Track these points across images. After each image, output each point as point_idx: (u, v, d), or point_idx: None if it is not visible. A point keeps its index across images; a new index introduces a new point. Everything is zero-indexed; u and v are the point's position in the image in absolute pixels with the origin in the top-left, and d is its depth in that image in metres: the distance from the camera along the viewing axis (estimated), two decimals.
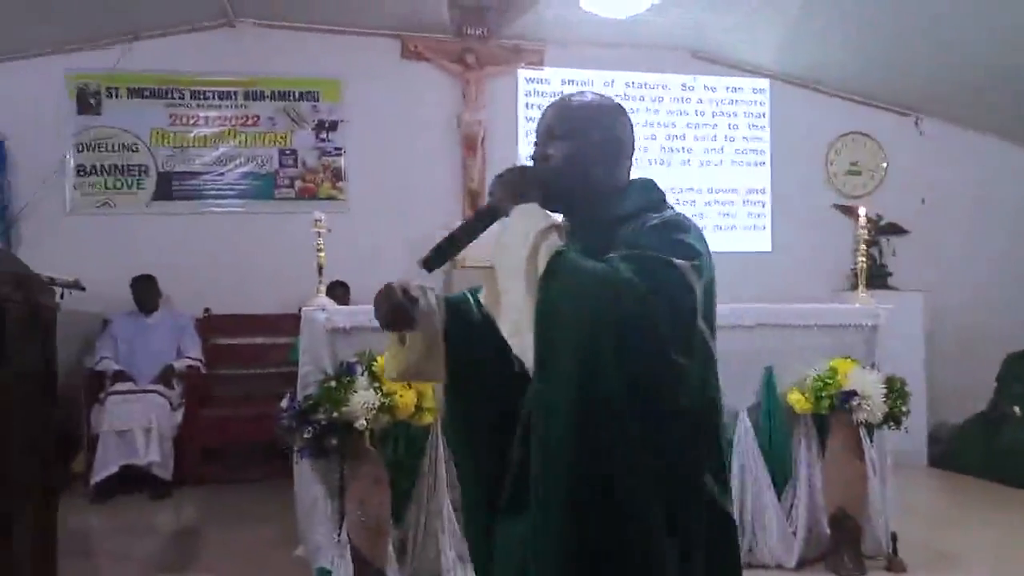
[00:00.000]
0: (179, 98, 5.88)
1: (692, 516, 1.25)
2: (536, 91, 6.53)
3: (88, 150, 5.75)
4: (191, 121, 5.91)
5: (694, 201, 6.78)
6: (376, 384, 2.91)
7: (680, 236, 1.32)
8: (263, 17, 5.88)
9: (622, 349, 1.16)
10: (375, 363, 2.96)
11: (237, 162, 5.96)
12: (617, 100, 1.60)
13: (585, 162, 1.46)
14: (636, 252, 1.24)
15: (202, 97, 5.92)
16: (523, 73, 6.47)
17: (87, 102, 5.73)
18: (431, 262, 1.42)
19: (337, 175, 6.09)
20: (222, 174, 5.94)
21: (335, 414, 2.85)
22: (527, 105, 6.52)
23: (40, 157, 5.54)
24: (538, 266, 1.24)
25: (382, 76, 6.09)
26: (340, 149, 6.09)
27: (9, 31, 5.25)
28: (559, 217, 1.38)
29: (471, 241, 1.43)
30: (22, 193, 5.47)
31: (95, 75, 5.73)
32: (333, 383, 2.92)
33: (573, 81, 6.58)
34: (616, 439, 1.18)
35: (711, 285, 1.33)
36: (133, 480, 4.89)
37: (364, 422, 2.86)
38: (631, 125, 1.56)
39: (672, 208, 1.47)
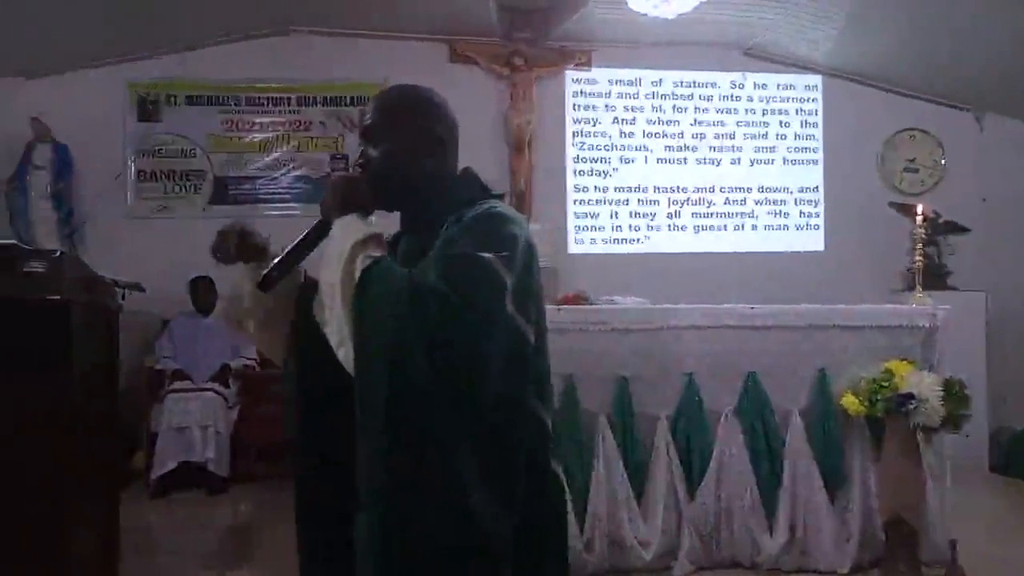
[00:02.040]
0: (234, 104, 6.04)
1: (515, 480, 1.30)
2: (584, 92, 6.52)
3: (148, 156, 5.95)
4: (245, 127, 6.06)
5: (744, 200, 6.68)
6: None
7: (492, 229, 1.33)
8: (315, 24, 5.99)
9: (428, 351, 1.21)
10: None
11: (290, 166, 6.09)
12: (424, 87, 1.59)
13: (402, 159, 1.46)
14: (446, 253, 1.28)
15: (256, 103, 6.07)
16: (571, 74, 6.47)
17: (147, 110, 5.92)
18: (264, 283, 1.43)
19: None
20: (275, 178, 6.08)
21: None
22: (575, 106, 6.52)
23: (102, 164, 5.74)
24: (354, 278, 1.28)
25: (430, 80, 5.98)
26: None
27: (74, 43, 5.46)
28: (377, 228, 1.38)
29: (305, 256, 1.45)
30: (86, 198, 5.67)
31: (155, 83, 5.93)
32: None
33: (621, 81, 6.56)
34: (428, 439, 1.23)
35: (529, 268, 1.34)
36: (191, 476, 5.03)
37: None
38: (448, 115, 1.54)
39: (492, 199, 1.46)
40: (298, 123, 6.10)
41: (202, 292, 5.55)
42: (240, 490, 5.07)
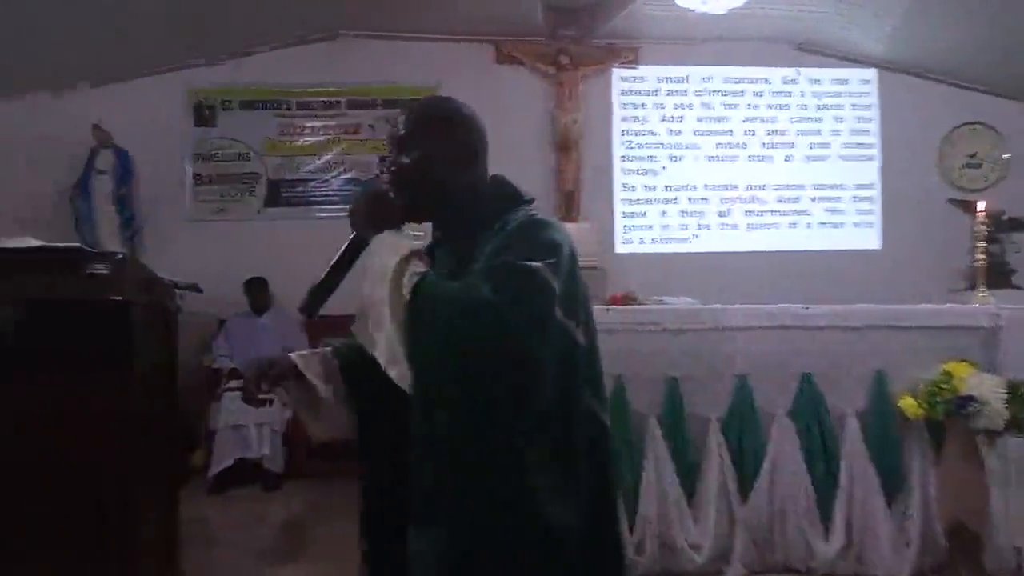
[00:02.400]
0: (287, 109, 6.17)
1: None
2: (631, 90, 6.48)
3: (204, 160, 6.11)
4: (298, 131, 6.18)
5: (798, 198, 6.56)
6: None
7: (535, 237, 1.36)
8: (364, 29, 6.08)
9: (486, 362, 1.23)
10: None
11: (341, 169, 6.19)
12: (456, 99, 1.60)
13: (435, 168, 1.46)
14: (495, 264, 1.30)
15: (308, 108, 6.18)
16: (618, 72, 6.44)
17: (203, 115, 6.08)
18: (309, 308, 1.44)
19: None
20: (327, 181, 6.18)
21: None
22: (622, 104, 6.48)
23: (161, 168, 5.92)
24: (403, 295, 1.29)
25: (476, 81, 6.17)
26: None
27: (135, 51, 5.64)
28: (417, 243, 1.41)
29: (343, 277, 1.45)
30: (145, 202, 5.85)
31: (211, 89, 6.09)
32: None
33: (669, 78, 6.50)
34: (493, 449, 1.26)
35: (573, 273, 1.37)
36: (247, 473, 5.15)
37: None
38: (480, 127, 1.56)
39: (526, 204, 1.49)
40: (348, 126, 6.20)
41: (257, 292, 5.68)
42: (294, 486, 5.17)
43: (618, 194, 6.46)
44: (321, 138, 6.19)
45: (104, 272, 2.96)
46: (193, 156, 6.10)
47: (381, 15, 5.92)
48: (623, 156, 6.49)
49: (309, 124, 6.19)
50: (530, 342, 1.25)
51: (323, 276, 1.44)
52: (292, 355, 1.59)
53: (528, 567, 1.27)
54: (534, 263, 1.29)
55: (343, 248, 1.44)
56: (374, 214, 1.42)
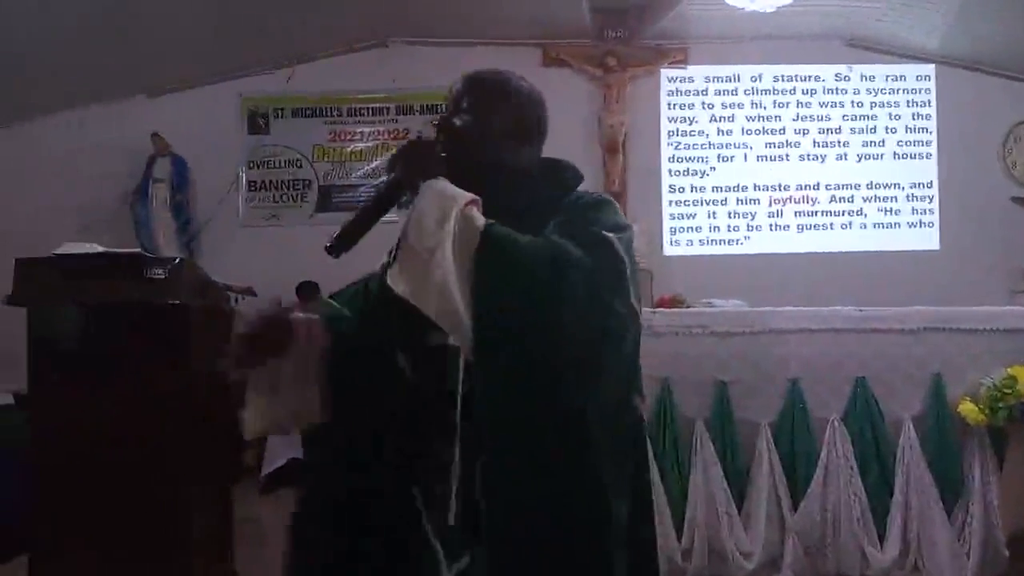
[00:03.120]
0: (337, 116, 6.28)
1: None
2: (679, 90, 6.42)
3: (257, 167, 6.26)
4: (348, 137, 6.29)
5: (852, 198, 6.42)
6: None
7: (610, 214, 1.33)
8: (412, 35, 6.16)
9: (570, 318, 1.15)
10: None
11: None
12: (540, 89, 1.53)
13: (485, 139, 1.37)
14: (575, 230, 1.23)
15: (358, 114, 6.29)
16: (666, 73, 6.39)
17: (257, 123, 6.23)
18: (336, 248, 1.29)
19: None
20: (376, 186, 6.26)
21: None
22: (670, 105, 6.42)
23: (216, 175, 6.08)
24: (469, 242, 1.17)
25: None
26: None
27: (191, 62, 5.81)
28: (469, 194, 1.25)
29: (376, 221, 1.32)
30: (201, 208, 6.02)
31: (264, 98, 6.23)
32: None
33: (718, 78, 6.43)
34: (562, 419, 1.17)
35: (634, 257, 1.32)
36: (298, 473, 5.24)
37: None
38: (538, 109, 1.47)
39: (577, 189, 1.43)
40: (397, 132, 6.28)
41: (308, 296, 5.78)
42: None
43: (666, 195, 6.41)
44: (370, 144, 6.29)
45: (162, 276, 3.05)
46: (247, 163, 6.25)
47: (429, 22, 5.99)
48: (671, 157, 6.43)
49: (359, 130, 6.29)
50: (608, 310, 1.19)
51: (354, 217, 1.31)
52: (293, 319, 1.41)
53: (587, 562, 1.19)
54: (613, 235, 1.25)
55: (379, 190, 1.33)
56: (421, 160, 1.30)
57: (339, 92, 6.25)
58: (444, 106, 1.46)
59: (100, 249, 3.17)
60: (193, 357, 2.76)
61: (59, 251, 3.07)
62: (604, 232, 1.25)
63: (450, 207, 1.19)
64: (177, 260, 3.25)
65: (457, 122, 1.38)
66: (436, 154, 1.31)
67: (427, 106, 6.27)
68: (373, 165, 6.28)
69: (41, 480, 3.10)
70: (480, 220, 1.19)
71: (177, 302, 2.93)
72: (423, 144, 1.34)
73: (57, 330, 3.11)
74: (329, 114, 6.29)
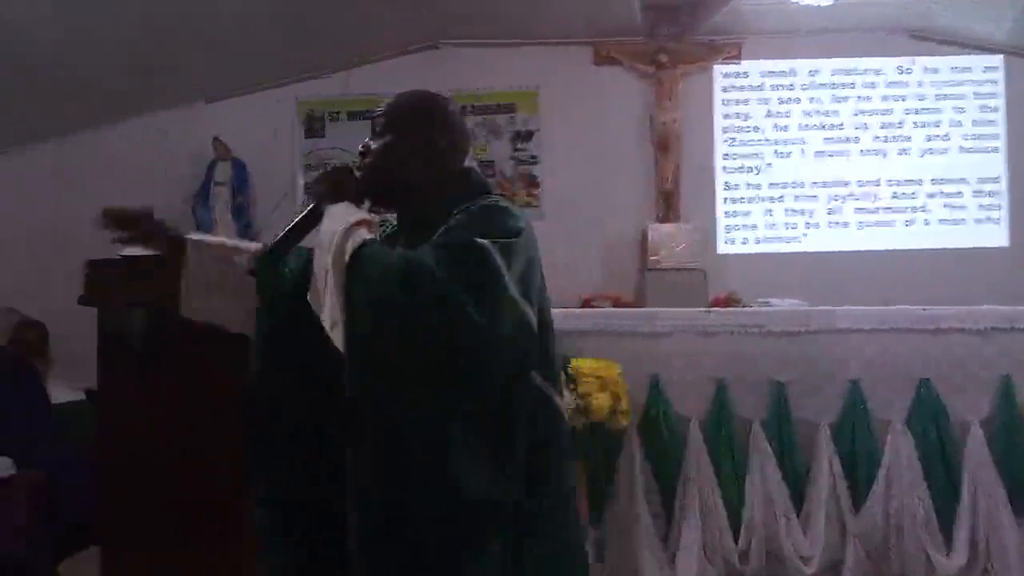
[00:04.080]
0: None
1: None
2: (734, 86, 6.33)
3: (314, 170, 6.36)
4: None
5: (915, 194, 6.22)
6: (571, 386, 2.97)
7: (491, 220, 1.37)
8: (464, 37, 6.19)
9: (418, 328, 1.24)
10: (570, 365, 3.02)
11: None
12: (444, 95, 1.61)
13: (397, 160, 1.47)
14: (442, 240, 1.32)
15: None
16: (719, 69, 6.30)
17: (313, 127, 6.35)
18: (254, 271, 1.46)
19: (532, 183, 6.28)
20: (297, 211, 6.30)
21: None
22: (724, 102, 6.33)
23: (275, 178, 6.21)
24: (344, 260, 1.30)
25: (575, 84, 6.19)
26: (535, 157, 6.27)
27: (250, 67, 5.96)
28: (368, 214, 1.41)
29: (297, 240, 1.44)
30: (260, 210, 6.16)
31: (320, 102, 6.35)
32: None
33: (774, 72, 6.31)
34: (419, 416, 1.27)
35: (532, 258, 1.38)
36: None
37: None
38: (454, 128, 1.54)
39: (488, 196, 1.47)
40: None
41: None
42: None
43: (720, 193, 6.32)
44: None
45: None
46: (304, 167, 6.38)
47: (480, 23, 6.02)
48: (725, 154, 6.34)
49: None
50: (464, 313, 1.24)
51: (278, 238, 1.45)
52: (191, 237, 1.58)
53: (444, 539, 1.27)
54: (483, 240, 1.30)
55: (299, 216, 1.44)
56: (334, 186, 1.43)
57: (393, 95, 6.31)
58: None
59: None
60: (252, 356, 2.83)
61: (125, 252, 3.19)
62: (475, 239, 1.30)
63: (339, 228, 1.33)
64: None
65: (372, 145, 1.50)
66: (351, 178, 1.45)
67: (478, 107, 6.31)
68: None
69: (108, 474, 3.22)
70: (357, 240, 1.32)
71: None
72: (338, 170, 1.47)
73: (124, 329, 3.23)
74: None
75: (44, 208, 5.90)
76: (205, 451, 2.61)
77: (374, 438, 1.31)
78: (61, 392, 4.67)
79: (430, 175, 1.48)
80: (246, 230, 6.06)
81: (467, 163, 1.57)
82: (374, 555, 1.31)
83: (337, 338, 1.30)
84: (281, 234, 1.44)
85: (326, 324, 1.32)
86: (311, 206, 1.43)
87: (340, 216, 1.37)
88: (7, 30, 4.36)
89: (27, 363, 4.55)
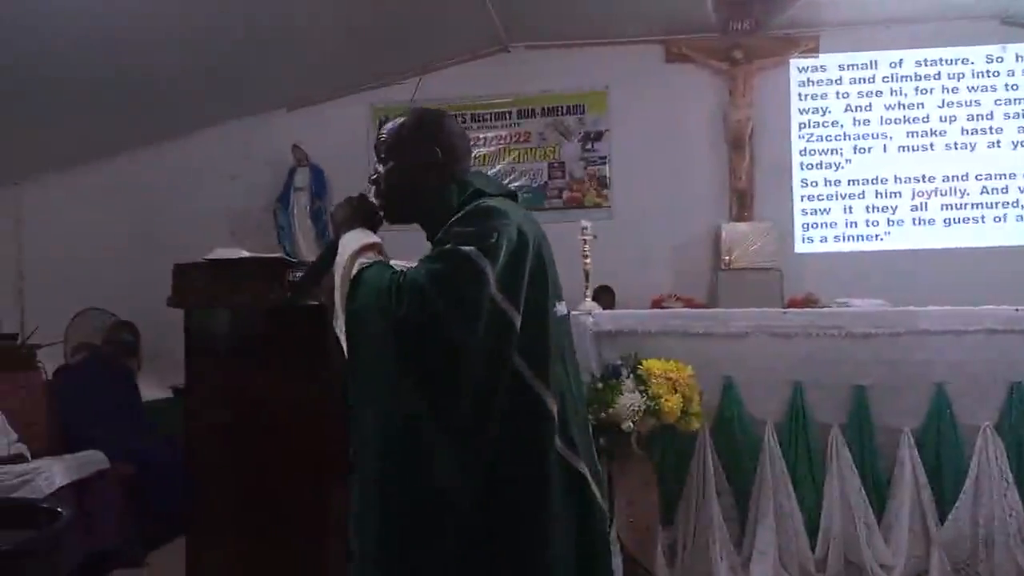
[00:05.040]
0: (462, 122, 6.35)
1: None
2: (811, 80, 6.16)
3: None
4: (472, 142, 6.39)
5: (1006, 188, 5.93)
6: (642, 387, 2.95)
7: (474, 223, 1.43)
8: (534, 39, 6.22)
9: (406, 339, 1.35)
10: (640, 366, 3.00)
11: (511, 177, 6.36)
12: (437, 110, 1.69)
13: (404, 179, 1.58)
14: (433, 251, 1.43)
15: (481, 119, 6.42)
16: (796, 63, 6.14)
17: None
18: (293, 300, 1.68)
19: (602, 183, 6.25)
20: (324, 243, 6.36)
21: (602, 415, 2.94)
22: (800, 96, 6.17)
23: (350, 184, 6.30)
24: (347, 283, 1.45)
25: (646, 82, 6.13)
26: (604, 158, 6.24)
27: (326, 76, 6.14)
28: (376, 238, 1.55)
29: (325, 273, 1.54)
30: None
31: (393, 107, 6.46)
32: (599, 385, 3.01)
33: (853, 65, 6.11)
34: (395, 416, 1.39)
35: (518, 256, 1.42)
36: None
37: (630, 424, 2.91)
38: (448, 138, 1.60)
39: (487, 197, 1.53)
40: (518, 135, 6.36)
41: None
42: None
43: (797, 191, 6.15)
44: (493, 148, 6.41)
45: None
46: None
47: (549, 25, 6.03)
48: (802, 150, 6.17)
49: (482, 135, 6.42)
50: (449, 321, 1.34)
51: (306, 272, 1.59)
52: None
53: (421, 528, 1.37)
54: (466, 247, 1.38)
55: (325, 247, 1.56)
56: (349, 216, 1.56)
57: (463, 99, 6.40)
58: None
59: (247, 254, 3.41)
60: (332, 356, 2.92)
61: (210, 256, 3.33)
62: (458, 247, 1.38)
63: (347, 255, 1.47)
64: None
65: (380, 168, 1.62)
66: (366, 204, 1.58)
67: (547, 108, 6.32)
68: (496, 169, 6.39)
69: (194, 469, 3.37)
70: (363, 263, 1.46)
71: (316, 303, 3.10)
72: (355, 199, 1.60)
73: (210, 330, 3.37)
74: None
75: (134, 214, 6.22)
76: (288, 446, 2.71)
77: (360, 444, 1.47)
78: (151, 390, 4.90)
79: (435, 184, 1.58)
80: (323, 233, 6.23)
81: (472, 170, 1.66)
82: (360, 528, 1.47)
83: (346, 352, 1.46)
84: (308, 266, 1.60)
85: (343, 345, 1.47)
86: (331, 239, 1.56)
87: (351, 242, 1.52)
88: (105, 44, 4.61)
89: (120, 362, 4.80)
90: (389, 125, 1.65)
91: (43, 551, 2.26)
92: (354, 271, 1.46)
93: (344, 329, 1.46)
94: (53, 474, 3.49)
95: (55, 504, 2.79)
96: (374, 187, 1.62)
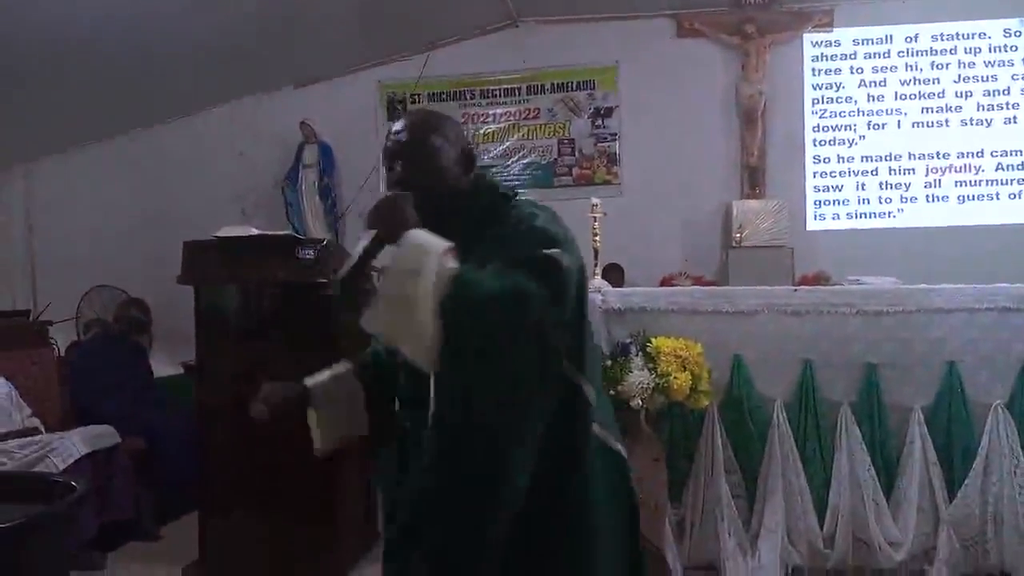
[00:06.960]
0: (471, 98, 6.39)
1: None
2: (824, 55, 6.07)
3: None
4: (481, 119, 6.38)
5: (1022, 165, 5.85)
6: (651, 365, 2.94)
7: (547, 224, 1.43)
8: (544, 13, 6.14)
9: (532, 343, 1.31)
10: (649, 344, 2.99)
11: (521, 154, 6.33)
12: (436, 112, 1.67)
13: (426, 179, 1.52)
14: (518, 255, 1.36)
15: (490, 96, 6.36)
16: (809, 37, 6.05)
17: (395, 109, 6.44)
18: (346, 308, 1.45)
19: (612, 160, 6.20)
20: (507, 166, 6.34)
21: (611, 392, 2.93)
22: (814, 71, 6.09)
23: (358, 161, 6.34)
24: (442, 287, 1.32)
25: (656, 58, 6.06)
26: (614, 135, 6.19)
27: (335, 53, 6.10)
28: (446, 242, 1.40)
29: (365, 275, 1.44)
30: (346, 191, 6.32)
31: (401, 84, 6.43)
32: (608, 362, 3.00)
33: (868, 40, 6.02)
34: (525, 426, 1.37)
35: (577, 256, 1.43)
36: None
37: (639, 402, 2.91)
38: (452, 135, 1.58)
39: (514, 200, 1.54)
40: (528, 111, 6.31)
41: None
42: None
43: (810, 167, 6.09)
44: (502, 124, 6.36)
45: (310, 257, 3.25)
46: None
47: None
48: (815, 126, 6.10)
49: (491, 111, 6.37)
50: (556, 325, 1.34)
51: (347, 271, 1.45)
52: (307, 384, 1.76)
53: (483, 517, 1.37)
54: (552, 251, 1.36)
55: (366, 245, 1.45)
56: (396, 215, 1.45)
57: (472, 75, 6.35)
58: (384, 157, 1.62)
59: (255, 232, 3.41)
60: (338, 333, 2.93)
61: (219, 234, 3.33)
62: (546, 252, 1.36)
63: (426, 258, 1.34)
64: (324, 241, 3.45)
65: (398, 170, 1.56)
66: (405, 205, 1.46)
67: (557, 84, 6.26)
68: (505, 145, 6.36)
69: (205, 444, 3.40)
70: (451, 267, 1.34)
71: (324, 280, 3.11)
72: (395, 198, 1.48)
73: (219, 306, 3.39)
74: (463, 97, 6.40)
75: (144, 192, 6.24)
76: (297, 421, 2.72)
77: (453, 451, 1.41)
78: (161, 367, 4.94)
79: (455, 182, 1.56)
80: (332, 210, 6.23)
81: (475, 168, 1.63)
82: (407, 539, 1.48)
83: (422, 360, 1.35)
84: (352, 264, 1.46)
85: (407, 351, 1.37)
86: (374, 238, 1.45)
87: (423, 245, 1.37)
88: (113, 24, 4.59)
89: (131, 338, 4.83)
90: (402, 126, 1.60)
91: (58, 524, 2.28)
92: (449, 274, 1.34)
93: (447, 322, 1.32)
94: (71, 446, 3.53)
95: (69, 478, 2.82)
96: (400, 189, 1.53)
